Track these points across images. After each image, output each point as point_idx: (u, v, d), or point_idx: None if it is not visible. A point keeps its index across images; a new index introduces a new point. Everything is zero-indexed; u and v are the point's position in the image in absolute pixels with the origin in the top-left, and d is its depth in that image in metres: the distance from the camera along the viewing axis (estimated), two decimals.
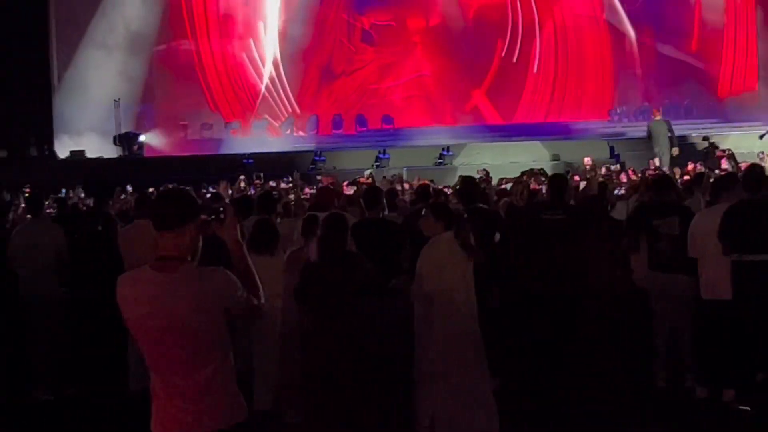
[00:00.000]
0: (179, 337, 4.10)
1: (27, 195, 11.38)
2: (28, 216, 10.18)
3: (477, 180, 12.00)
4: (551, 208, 8.56)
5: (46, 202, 13.22)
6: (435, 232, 7.04)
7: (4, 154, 22.68)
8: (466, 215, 7.46)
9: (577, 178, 16.45)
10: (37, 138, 23.62)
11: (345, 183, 16.87)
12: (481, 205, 8.77)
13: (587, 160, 19.84)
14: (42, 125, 23.98)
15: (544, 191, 11.70)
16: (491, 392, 6.93)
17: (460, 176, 11.62)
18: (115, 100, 24.36)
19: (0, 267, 9.27)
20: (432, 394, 6.74)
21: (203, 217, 4.22)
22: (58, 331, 9.30)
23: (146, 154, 24.43)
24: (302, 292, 6.59)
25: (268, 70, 26.98)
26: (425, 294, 6.80)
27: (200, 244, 4.24)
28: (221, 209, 4.33)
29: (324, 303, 6.43)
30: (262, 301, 4.32)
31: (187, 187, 8.30)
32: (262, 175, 19.04)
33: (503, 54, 28.19)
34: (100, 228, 9.96)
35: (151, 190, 15.56)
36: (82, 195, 18.20)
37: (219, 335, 4.19)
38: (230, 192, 16.40)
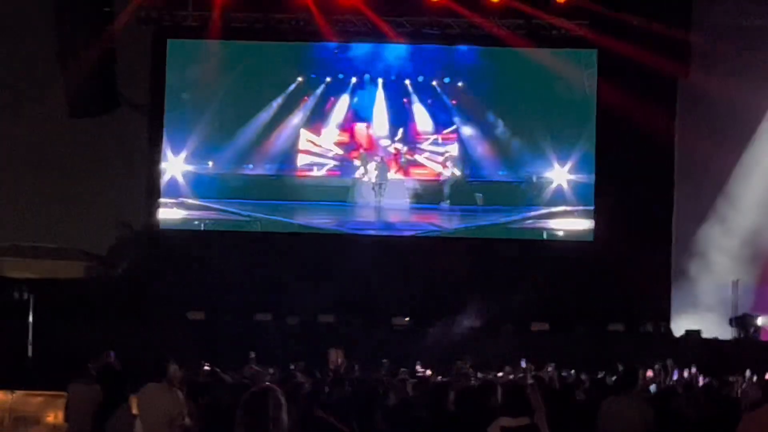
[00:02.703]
0: None
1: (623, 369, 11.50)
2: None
3: None
4: None
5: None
6: None
7: (621, 327, 23.12)
8: None
9: None
10: (654, 314, 23.82)
11: None
12: None
13: None
14: (660, 302, 24.22)
15: None
16: None
17: None
18: (733, 281, 23.93)
19: None
20: None
21: None
22: None
23: (763, 337, 23.62)
24: None
25: None
26: None
27: None
28: None
29: None
30: None
31: None
32: None
33: None
34: None
35: None
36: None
37: None
38: None
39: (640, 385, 14.09)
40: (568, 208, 25.30)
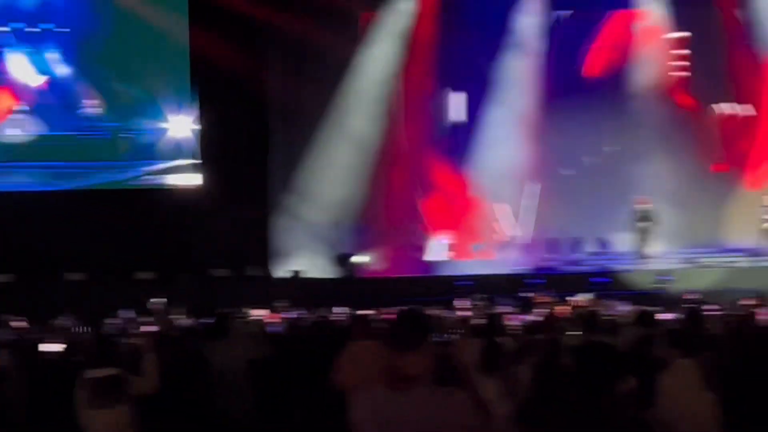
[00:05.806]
0: None
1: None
2: None
3: None
4: None
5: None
6: (672, 358, 7.05)
7: (225, 273, 23.55)
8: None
9: None
10: (255, 257, 24.45)
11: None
12: None
13: None
14: (260, 244, 24.83)
15: None
16: None
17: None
18: (333, 222, 24.94)
19: None
20: None
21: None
22: None
23: (361, 274, 24.76)
24: None
25: None
26: (667, 421, 6.71)
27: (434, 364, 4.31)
28: (460, 330, 4.52)
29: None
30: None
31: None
32: (481, 297, 18.86)
33: None
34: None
35: (361, 312, 15.93)
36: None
37: None
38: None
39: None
40: (183, 162, 25.02)
